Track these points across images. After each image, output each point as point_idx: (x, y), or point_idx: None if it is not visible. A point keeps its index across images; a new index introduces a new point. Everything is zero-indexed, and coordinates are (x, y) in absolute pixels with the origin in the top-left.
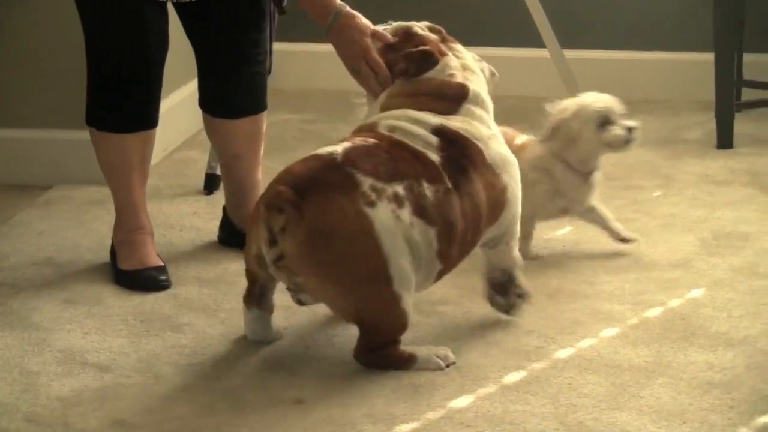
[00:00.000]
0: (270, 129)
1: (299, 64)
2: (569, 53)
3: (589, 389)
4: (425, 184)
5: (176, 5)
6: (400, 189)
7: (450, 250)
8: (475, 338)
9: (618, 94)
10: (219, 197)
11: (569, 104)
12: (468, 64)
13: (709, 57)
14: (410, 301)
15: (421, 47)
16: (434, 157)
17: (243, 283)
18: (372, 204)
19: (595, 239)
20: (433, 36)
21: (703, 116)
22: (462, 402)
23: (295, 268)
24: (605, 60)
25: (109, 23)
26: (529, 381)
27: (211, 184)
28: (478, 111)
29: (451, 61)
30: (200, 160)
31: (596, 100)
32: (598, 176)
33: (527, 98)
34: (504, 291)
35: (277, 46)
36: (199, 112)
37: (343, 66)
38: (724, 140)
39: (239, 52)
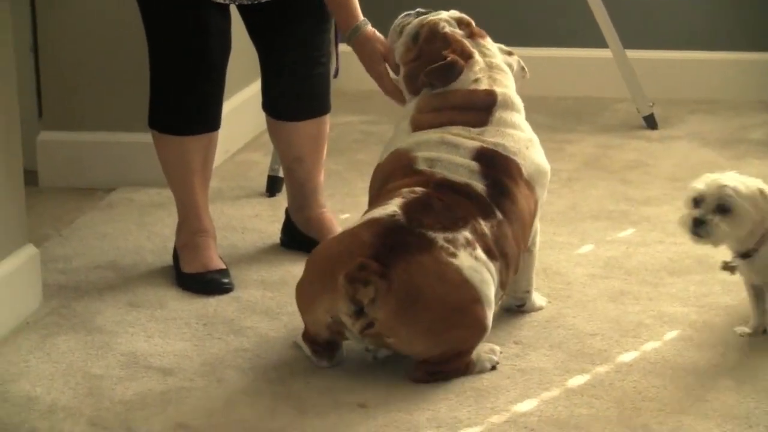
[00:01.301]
0: (332, 131)
1: (361, 65)
2: (631, 53)
3: (653, 393)
4: (482, 222)
5: (239, 7)
6: (467, 234)
7: (508, 278)
8: (538, 341)
9: (680, 94)
10: (281, 200)
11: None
12: (495, 63)
13: None
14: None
15: (441, 63)
16: (480, 187)
17: None
18: (453, 255)
19: (659, 240)
20: (458, 32)
21: (766, 116)
22: (526, 406)
23: (387, 332)
24: (666, 59)
25: (171, 26)
26: (593, 384)
27: (273, 186)
28: (509, 116)
29: (476, 64)
30: (262, 162)
31: (709, 182)
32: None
33: (588, 98)
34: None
35: (341, 48)
36: (261, 113)
37: None
38: None
39: (302, 53)
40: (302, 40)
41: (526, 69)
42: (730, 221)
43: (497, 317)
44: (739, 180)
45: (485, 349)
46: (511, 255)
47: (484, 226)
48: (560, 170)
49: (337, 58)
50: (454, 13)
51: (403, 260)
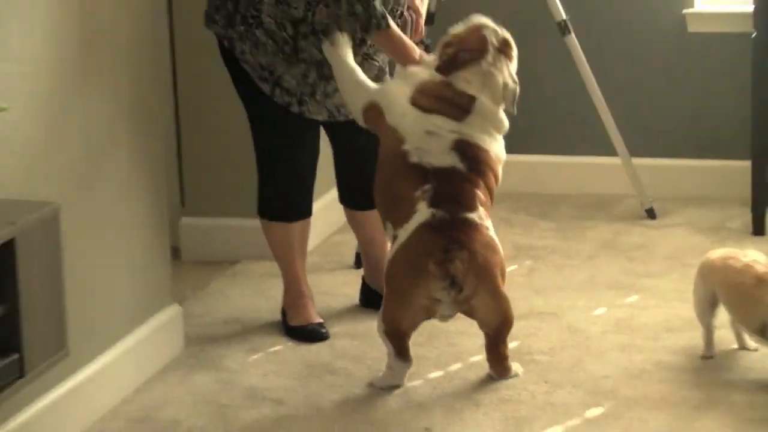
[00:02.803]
0: None
1: None
2: (636, 160)
3: (653, 422)
4: (478, 192)
5: (323, 122)
6: (482, 210)
7: None
8: (563, 381)
9: (674, 193)
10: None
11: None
12: (494, 77)
13: (747, 164)
14: None
15: (454, 51)
16: (463, 168)
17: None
18: (487, 229)
19: (657, 305)
20: (494, 41)
21: (741, 209)
22: (554, 431)
23: (473, 293)
24: (664, 165)
25: (276, 140)
26: (605, 415)
27: (359, 261)
28: (481, 121)
29: (478, 67)
30: (351, 242)
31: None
32: None
33: (603, 195)
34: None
35: None
36: None
37: None
38: (758, 229)
39: (368, 157)
40: (368, 147)
41: (515, 107)
42: None
43: (530, 362)
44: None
45: (516, 364)
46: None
47: (481, 195)
48: (581, 250)
49: None
50: (504, 31)
51: (468, 237)
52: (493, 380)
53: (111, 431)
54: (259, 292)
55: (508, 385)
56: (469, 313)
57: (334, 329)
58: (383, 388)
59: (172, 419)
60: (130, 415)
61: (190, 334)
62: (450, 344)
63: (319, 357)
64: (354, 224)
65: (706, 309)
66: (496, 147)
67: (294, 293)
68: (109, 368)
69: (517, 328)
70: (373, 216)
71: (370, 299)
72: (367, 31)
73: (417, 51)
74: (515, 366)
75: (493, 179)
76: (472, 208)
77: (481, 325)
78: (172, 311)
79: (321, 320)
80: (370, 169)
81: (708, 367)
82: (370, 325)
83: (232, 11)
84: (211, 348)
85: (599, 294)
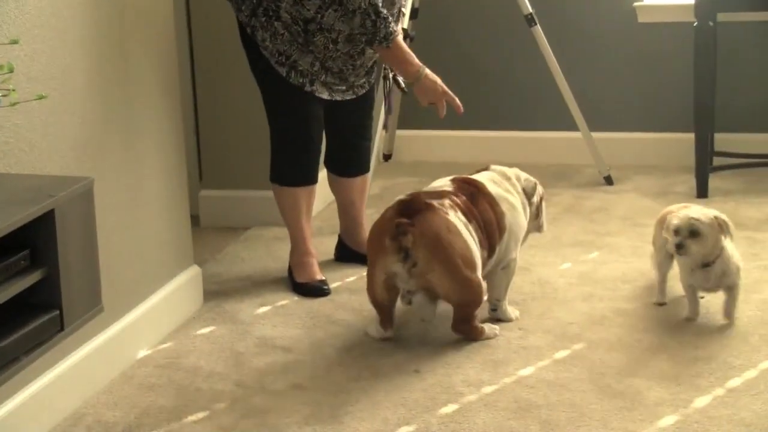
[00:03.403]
0: (394, 188)
1: (415, 144)
2: (595, 134)
3: (613, 362)
4: (455, 197)
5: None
6: (448, 201)
7: (482, 239)
8: (535, 327)
9: (628, 162)
10: None
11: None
12: (506, 171)
13: (691, 136)
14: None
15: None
16: (449, 189)
17: None
18: (446, 213)
19: (615, 259)
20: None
21: (686, 176)
22: (527, 371)
23: (427, 268)
24: (621, 138)
25: (289, 115)
26: (572, 357)
27: (338, 251)
28: (490, 174)
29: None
30: None
31: (682, 216)
32: (717, 265)
33: (566, 165)
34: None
35: (400, 132)
36: None
37: (443, 144)
38: (702, 192)
39: (356, 133)
40: (357, 125)
41: (532, 189)
42: (698, 242)
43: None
44: (701, 212)
45: (492, 326)
46: (483, 224)
47: (458, 199)
48: (548, 213)
49: (393, 143)
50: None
51: (421, 216)
52: None
53: (141, 376)
54: (268, 254)
55: None
56: (431, 290)
57: (334, 285)
58: (375, 338)
59: (193, 365)
60: (158, 362)
61: (208, 291)
62: None
63: (322, 309)
64: (337, 187)
65: (664, 259)
66: (511, 216)
67: (300, 252)
68: (138, 322)
69: None
70: (355, 181)
71: (343, 254)
72: (371, 45)
73: (416, 61)
74: (489, 328)
75: (492, 218)
76: (438, 197)
77: (446, 302)
78: (193, 272)
79: (323, 277)
80: (358, 143)
81: (660, 312)
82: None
83: (256, 3)
84: (226, 303)
85: (564, 251)
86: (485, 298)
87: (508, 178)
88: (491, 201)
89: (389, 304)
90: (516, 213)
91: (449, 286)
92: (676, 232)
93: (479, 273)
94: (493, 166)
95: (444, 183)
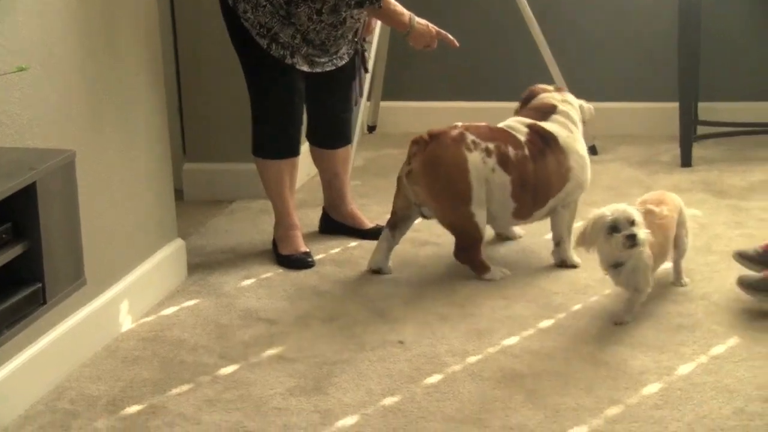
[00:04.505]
0: (379, 159)
1: (400, 115)
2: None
3: (596, 330)
4: (510, 148)
5: (306, 75)
6: (491, 145)
7: (522, 195)
8: (520, 296)
9: (613, 132)
10: None
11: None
12: (568, 99)
13: (675, 105)
14: (483, 219)
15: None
16: (521, 137)
17: (362, 263)
18: (470, 150)
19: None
20: (549, 87)
21: (671, 145)
22: (512, 341)
23: (416, 178)
24: (605, 108)
25: (271, 88)
26: (556, 326)
27: (323, 224)
28: (562, 119)
29: (548, 96)
30: None
31: (611, 210)
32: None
33: None
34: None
35: (385, 104)
36: None
37: (428, 115)
38: (686, 161)
39: (337, 105)
40: (337, 97)
41: (592, 109)
42: (640, 226)
43: (491, 282)
44: (625, 205)
45: (503, 269)
46: (528, 181)
47: (509, 150)
48: None
49: (377, 114)
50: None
51: (437, 140)
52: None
53: (126, 350)
54: (253, 227)
55: (472, 301)
56: (427, 211)
57: (319, 257)
58: (372, 268)
59: (178, 338)
60: (142, 335)
61: (192, 264)
62: (421, 267)
63: (306, 281)
64: (320, 160)
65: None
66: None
67: (284, 225)
68: (122, 295)
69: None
70: (338, 153)
71: (327, 226)
72: (361, 6)
73: (405, 11)
74: (497, 270)
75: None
76: (481, 137)
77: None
78: (177, 245)
79: (308, 250)
80: (339, 115)
81: None
82: (351, 254)
83: None
84: (210, 276)
85: (549, 221)
86: (482, 234)
87: (575, 123)
88: (560, 157)
89: (400, 213)
90: (584, 164)
91: (440, 213)
92: (614, 228)
93: (473, 208)
94: (560, 108)
95: (520, 128)
